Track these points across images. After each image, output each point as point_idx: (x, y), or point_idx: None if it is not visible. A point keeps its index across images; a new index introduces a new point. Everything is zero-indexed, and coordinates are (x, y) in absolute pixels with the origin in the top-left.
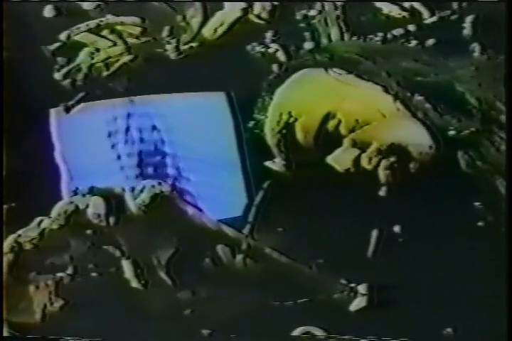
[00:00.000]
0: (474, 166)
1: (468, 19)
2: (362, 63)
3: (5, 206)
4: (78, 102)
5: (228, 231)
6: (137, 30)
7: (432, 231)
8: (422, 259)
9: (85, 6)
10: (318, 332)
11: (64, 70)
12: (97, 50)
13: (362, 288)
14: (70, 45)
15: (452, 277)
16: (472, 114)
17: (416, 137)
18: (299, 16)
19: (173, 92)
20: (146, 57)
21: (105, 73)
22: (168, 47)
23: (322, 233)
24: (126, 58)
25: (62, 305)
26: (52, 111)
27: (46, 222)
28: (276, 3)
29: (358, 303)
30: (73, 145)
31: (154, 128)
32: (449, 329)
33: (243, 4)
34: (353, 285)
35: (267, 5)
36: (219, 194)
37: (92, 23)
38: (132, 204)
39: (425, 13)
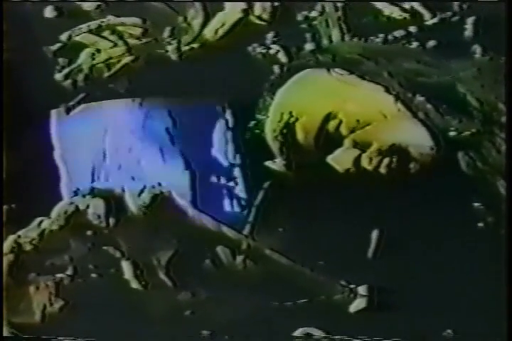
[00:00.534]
0: (475, 167)
1: (470, 20)
2: (364, 64)
3: (5, 207)
4: (79, 103)
5: (228, 232)
6: (138, 31)
7: (432, 232)
8: (422, 260)
9: (86, 6)
10: (318, 333)
11: (65, 71)
12: (98, 50)
13: (362, 290)
14: (70, 45)
15: (452, 278)
16: (473, 115)
17: (417, 138)
18: (300, 17)
19: (173, 93)
20: (147, 58)
21: (106, 74)
22: (169, 48)
23: (322, 233)
24: (127, 59)
25: (62, 306)
26: (53, 112)
27: (46, 223)
28: (276, 3)
29: (357, 304)
30: (73, 146)
31: (154, 128)
32: (449, 331)
33: (243, 5)
34: (353, 286)
35: (268, 6)
36: (219, 194)
37: (93, 24)
38: (132, 205)
39: (426, 14)
